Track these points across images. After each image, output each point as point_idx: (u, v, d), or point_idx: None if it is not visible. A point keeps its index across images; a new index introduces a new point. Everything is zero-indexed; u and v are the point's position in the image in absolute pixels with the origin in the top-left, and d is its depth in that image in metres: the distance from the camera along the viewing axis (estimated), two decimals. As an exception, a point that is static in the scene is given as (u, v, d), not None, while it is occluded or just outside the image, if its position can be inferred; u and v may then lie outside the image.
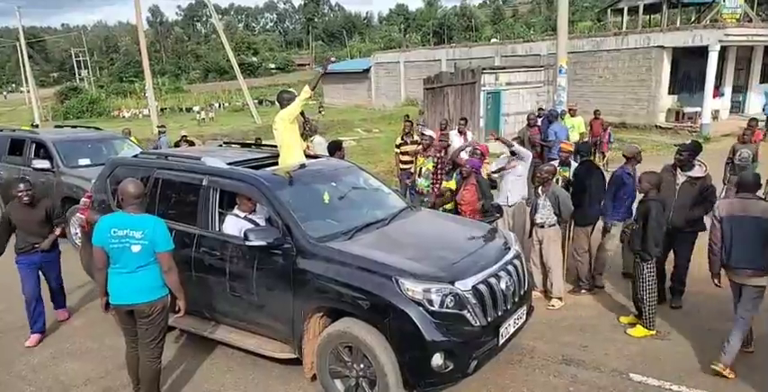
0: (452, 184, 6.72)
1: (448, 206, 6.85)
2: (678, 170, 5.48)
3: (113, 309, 3.91)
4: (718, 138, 16.68)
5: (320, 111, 23.93)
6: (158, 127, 14.46)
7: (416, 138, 8.77)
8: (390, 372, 3.68)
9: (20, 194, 5.07)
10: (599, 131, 12.83)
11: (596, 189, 5.96)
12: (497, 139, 6.73)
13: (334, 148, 7.00)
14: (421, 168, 7.54)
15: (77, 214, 6.81)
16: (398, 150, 9.10)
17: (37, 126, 16.81)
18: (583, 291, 6.06)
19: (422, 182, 7.49)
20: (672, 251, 5.59)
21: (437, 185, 7.41)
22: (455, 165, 7.06)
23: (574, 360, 4.62)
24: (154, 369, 3.96)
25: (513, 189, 6.51)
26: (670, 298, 5.59)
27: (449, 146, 8.43)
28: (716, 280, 4.60)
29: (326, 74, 6.99)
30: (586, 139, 11.74)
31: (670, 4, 28.30)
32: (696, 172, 5.43)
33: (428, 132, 8.17)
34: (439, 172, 7.43)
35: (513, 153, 6.56)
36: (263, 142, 7.95)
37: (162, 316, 3.91)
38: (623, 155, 6.19)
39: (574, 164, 6.42)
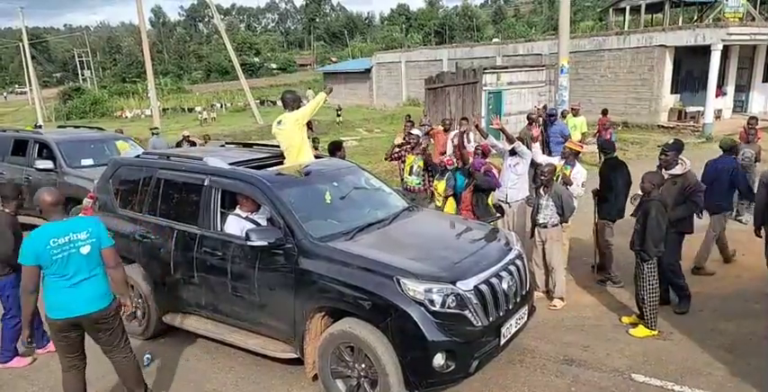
0: (442, 185, 6.78)
1: (440, 203, 6.89)
2: (663, 170, 5.46)
3: (56, 325, 3.63)
4: (721, 137, 16.62)
5: (338, 114, 23.70)
6: (151, 129, 14.38)
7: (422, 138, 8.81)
8: (392, 372, 3.68)
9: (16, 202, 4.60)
10: (601, 131, 12.81)
11: (622, 184, 6.05)
12: (500, 129, 6.71)
13: (335, 148, 7.00)
14: (411, 166, 7.57)
15: (80, 214, 6.83)
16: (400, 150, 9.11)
17: (40, 127, 16.78)
18: (614, 284, 6.13)
19: (412, 180, 7.52)
20: None
21: (430, 182, 7.44)
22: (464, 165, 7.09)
23: (575, 361, 4.62)
24: (133, 362, 3.97)
25: (514, 188, 6.50)
26: (677, 302, 5.50)
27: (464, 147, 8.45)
28: (757, 232, 5.53)
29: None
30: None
31: (672, 4, 28.26)
32: (677, 170, 5.39)
33: (415, 131, 8.38)
34: (430, 169, 7.47)
35: (512, 151, 6.53)
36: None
37: (117, 319, 3.86)
38: (720, 147, 6.72)
39: (578, 165, 6.41)
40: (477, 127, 7.27)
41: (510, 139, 6.54)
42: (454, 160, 7.06)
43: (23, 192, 4.82)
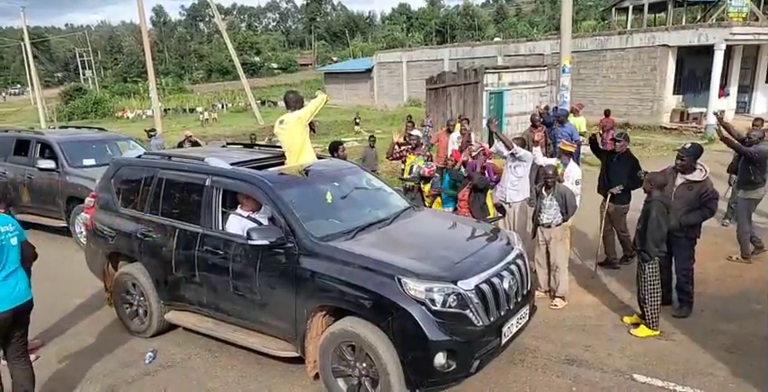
0: (427, 187, 6.82)
1: (428, 204, 6.94)
2: (679, 173, 5.37)
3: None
4: (723, 137, 16.59)
5: (357, 123, 23.49)
6: (147, 130, 14.00)
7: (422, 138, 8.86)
8: (393, 371, 3.69)
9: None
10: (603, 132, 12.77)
11: (633, 173, 6.18)
12: (494, 133, 6.70)
13: (335, 148, 7.01)
14: (411, 166, 7.58)
15: (82, 213, 6.85)
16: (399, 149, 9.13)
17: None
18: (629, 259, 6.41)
19: (412, 179, 7.53)
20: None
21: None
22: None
23: (577, 361, 4.61)
24: (30, 374, 3.96)
25: (514, 189, 6.50)
26: (678, 306, 5.46)
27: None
28: None
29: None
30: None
31: (675, 3, 28.22)
32: (695, 175, 5.28)
33: (415, 132, 8.40)
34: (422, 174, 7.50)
35: (512, 155, 6.52)
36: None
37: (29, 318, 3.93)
38: None
39: (571, 164, 6.45)
40: (495, 133, 7.07)
41: (507, 146, 6.49)
42: (434, 168, 7.10)
43: (11, 191, 4.80)
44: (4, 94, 73.30)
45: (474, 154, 7.04)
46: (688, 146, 5.39)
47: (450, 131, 10.22)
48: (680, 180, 5.34)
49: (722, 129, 7.12)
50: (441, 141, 10.26)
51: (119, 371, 4.67)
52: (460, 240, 4.69)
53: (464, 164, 7.23)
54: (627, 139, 6.56)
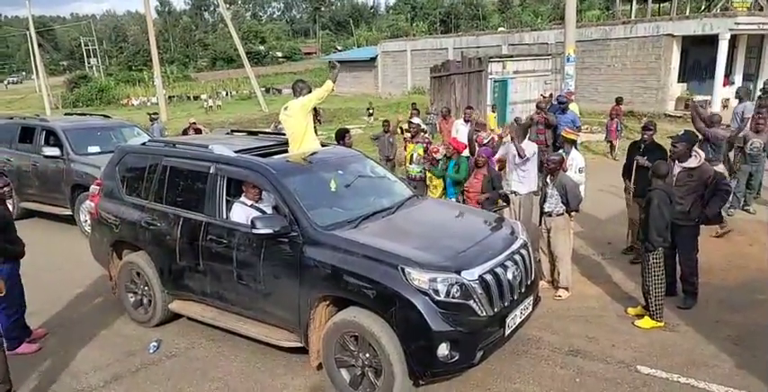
0: (439, 183, 6.79)
1: (434, 194, 6.92)
2: (676, 162, 5.35)
3: None
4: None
5: (370, 113, 23.10)
6: (150, 114, 13.56)
7: (423, 126, 8.83)
8: (396, 362, 3.69)
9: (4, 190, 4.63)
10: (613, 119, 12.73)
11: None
12: (515, 144, 6.61)
13: (341, 136, 6.98)
14: (412, 154, 7.55)
15: (87, 201, 6.84)
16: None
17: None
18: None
19: (413, 169, 7.49)
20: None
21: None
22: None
23: (580, 352, 4.60)
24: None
25: (520, 182, 6.46)
26: (682, 298, 5.43)
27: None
28: None
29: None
30: (616, 127, 12.35)
31: (681, -8, 27.87)
32: (691, 162, 5.27)
33: (415, 120, 8.36)
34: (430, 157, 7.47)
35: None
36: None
37: None
38: None
39: (574, 152, 6.40)
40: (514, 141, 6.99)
41: (521, 155, 6.38)
42: (441, 149, 7.03)
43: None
44: (5, 82, 72.80)
45: (485, 141, 6.99)
46: (681, 132, 5.39)
47: (445, 118, 10.22)
48: (677, 168, 5.33)
49: (695, 113, 7.54)
50: (442, 129, 10.28)
51: (123, 360, 4.70)
52: (464, 229, 4.66)
53: (472, 151, 7.18)
54: (647, 128, 6.51)
